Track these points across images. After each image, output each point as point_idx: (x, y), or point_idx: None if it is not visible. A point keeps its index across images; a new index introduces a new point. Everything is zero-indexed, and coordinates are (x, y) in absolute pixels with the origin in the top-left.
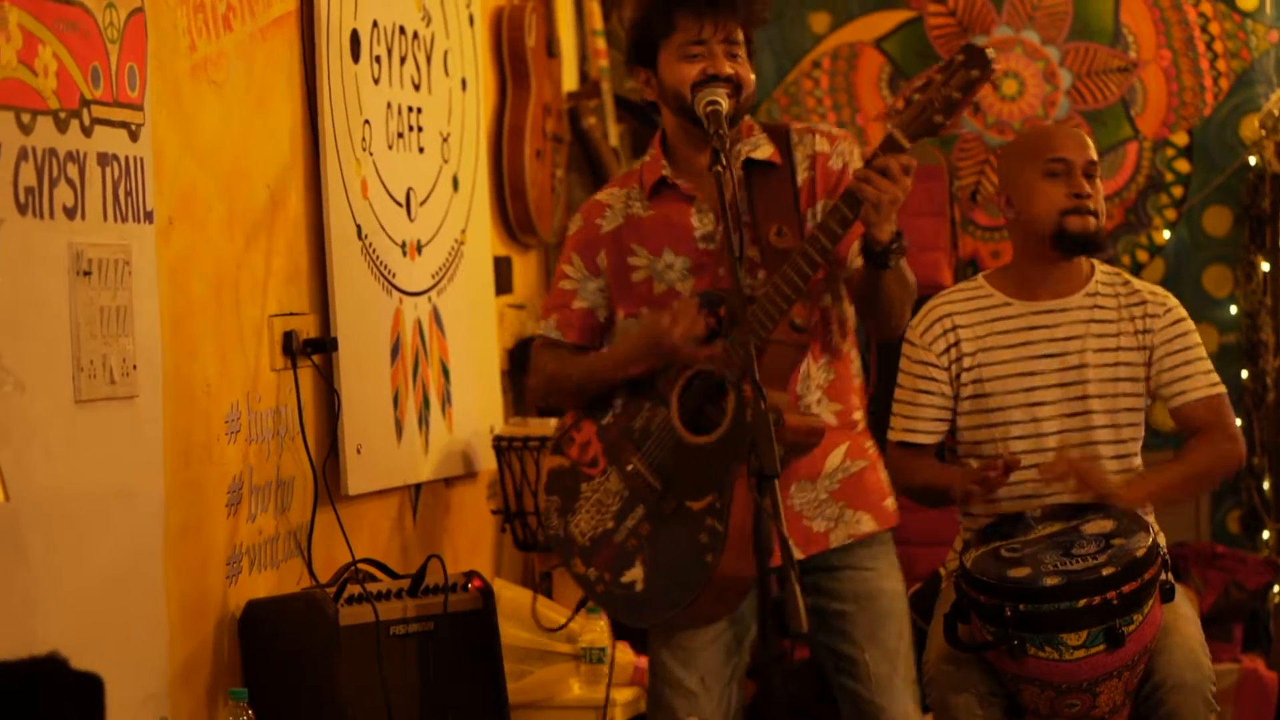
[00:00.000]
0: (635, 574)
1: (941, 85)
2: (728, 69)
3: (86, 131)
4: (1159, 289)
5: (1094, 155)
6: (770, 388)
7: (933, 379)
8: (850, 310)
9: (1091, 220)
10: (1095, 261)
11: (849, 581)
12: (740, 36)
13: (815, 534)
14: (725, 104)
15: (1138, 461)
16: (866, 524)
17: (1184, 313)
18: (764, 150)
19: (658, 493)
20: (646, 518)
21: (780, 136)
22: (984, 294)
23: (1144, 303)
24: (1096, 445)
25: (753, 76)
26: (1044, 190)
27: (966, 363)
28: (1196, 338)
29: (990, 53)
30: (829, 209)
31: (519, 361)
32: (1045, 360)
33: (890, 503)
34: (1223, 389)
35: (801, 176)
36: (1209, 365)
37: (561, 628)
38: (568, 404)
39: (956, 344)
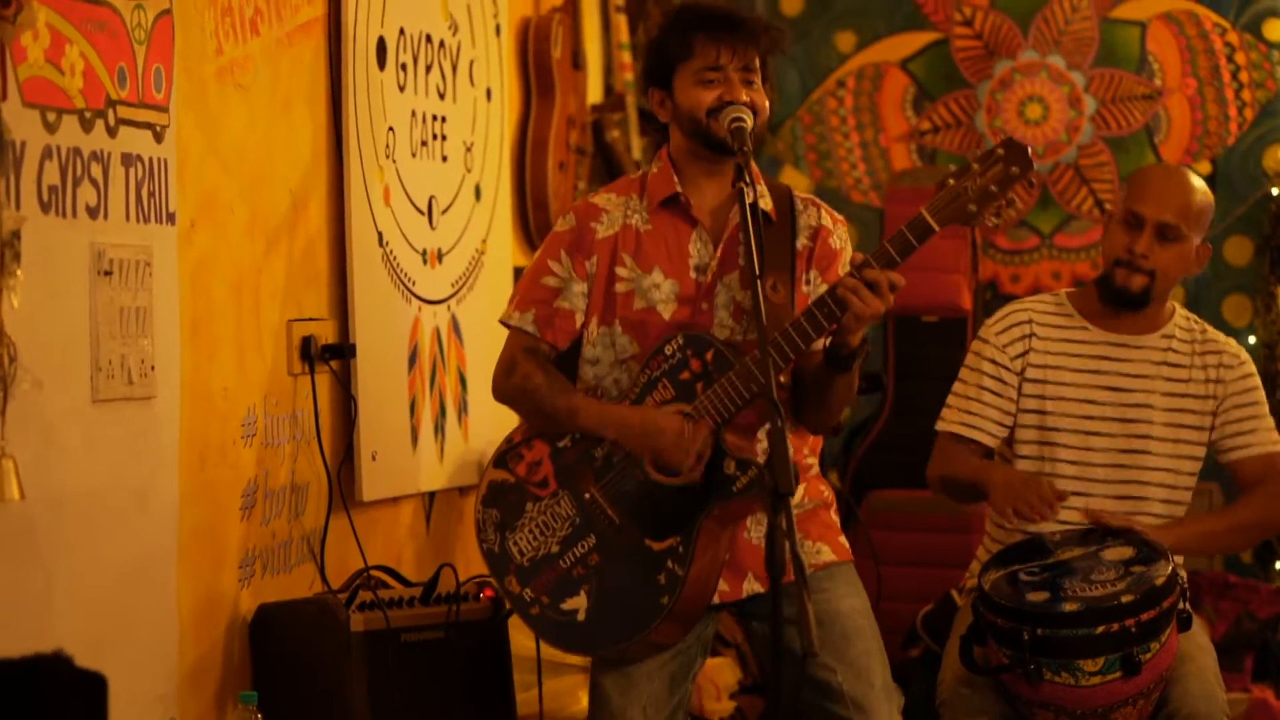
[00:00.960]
0: (578, 603)
1: (979, 175)
2: (743, 96)
3: (111, 132)
4: (1233, 341)
5: (1172, 218)
6: (741, 439)
7: (1002, 380)
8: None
9: (1138, 279)
10: (1176, 304)
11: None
12: (757, 64)
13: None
14: (750, 121)
15: (1183, 511)
16: (826, 554)
17: (1254, 368)
18: (766, 202)
19: (615, 526)
20: (597, 549)
21: (782, 196)
22: (1065, 312)
23: (1219, 353)
24: (1148, 486)
25: (767, 103)
26: (1115, 236)
27: (1033, 374)
28: (1263, 394)
29: (1031, 152)
30: (816, 301)
31: None
32: (1109, 393)
33: (844, 540)
34: None
35: (801, 242)
36: (1272, 423)
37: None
38: (531, 421)
39: (1028, 352)
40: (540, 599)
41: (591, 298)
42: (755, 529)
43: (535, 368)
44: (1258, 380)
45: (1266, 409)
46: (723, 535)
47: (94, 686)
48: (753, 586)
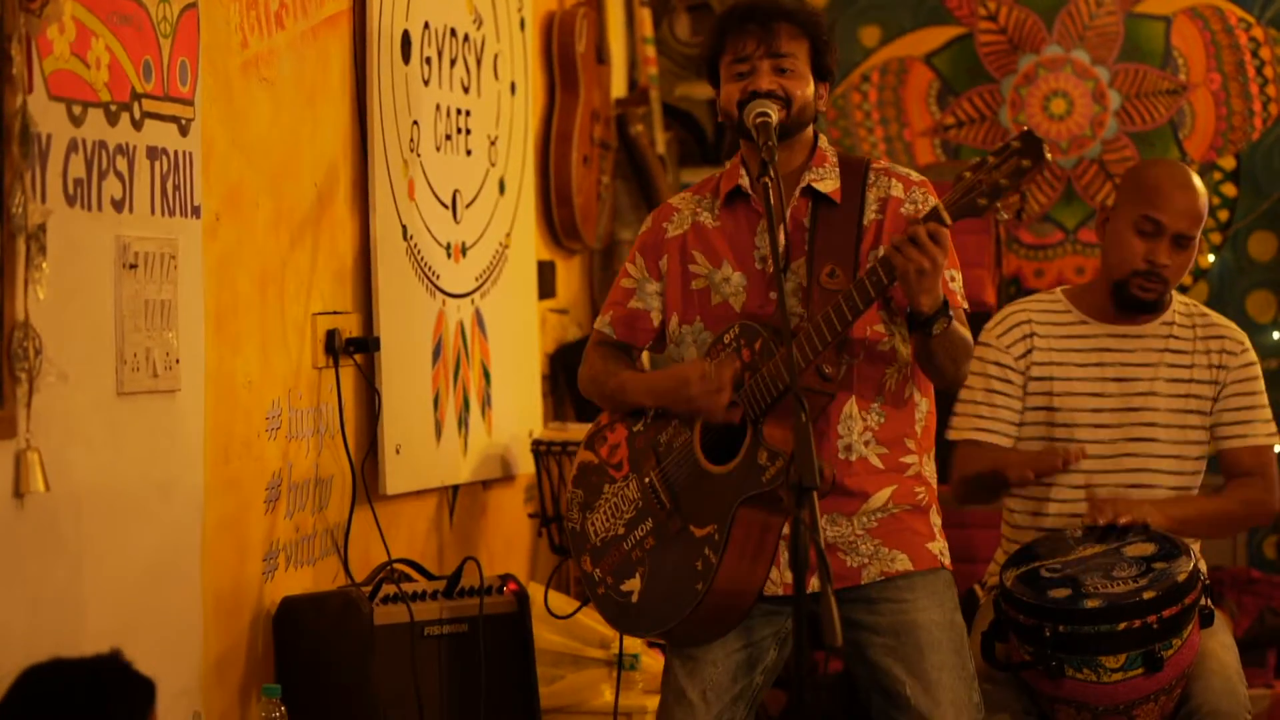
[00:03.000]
0: (634, 584)
1: (992, 169)
2: (766, 84)
3: (137, 125)
4: (1234, 325)
5: (1190, 227)
6: (782, 429)
7: (1009, 381)
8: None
9: (1157, 289)
10: (1174, 291)
11: (887, 614)
12: (793, 49)
13: (848, 569)
14: (775, 115)
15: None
16: (901, 563)
17: (1255, 357)
18: (829, 184)
19: (666, 511)
20: (652, 532)
21: (856, 172)
22: (1062, 309)
23: (1222, 338)
24: (1157, 474)
25: (808, 90)
26: (1128, 242)
27: (1037, 372)
28: (1262, 384)
29: (1046, 146)
30: (868, 269)
31: (560, 366)
32: (1115, 384)
33: (935, 546)
34: (1276, 440)
35: (869, 218)
36: (1270, 414)
37: (569, 615)
38: (602, 406)
39: (1031, 352)
40: (606, 579)
41: (669, 296)
42: (830, 528)
43: (597, 357)
44: (1259, 369)
45: (1265, 399)
46: (769, 526)
47: (145, 692)
48: (816, 583)
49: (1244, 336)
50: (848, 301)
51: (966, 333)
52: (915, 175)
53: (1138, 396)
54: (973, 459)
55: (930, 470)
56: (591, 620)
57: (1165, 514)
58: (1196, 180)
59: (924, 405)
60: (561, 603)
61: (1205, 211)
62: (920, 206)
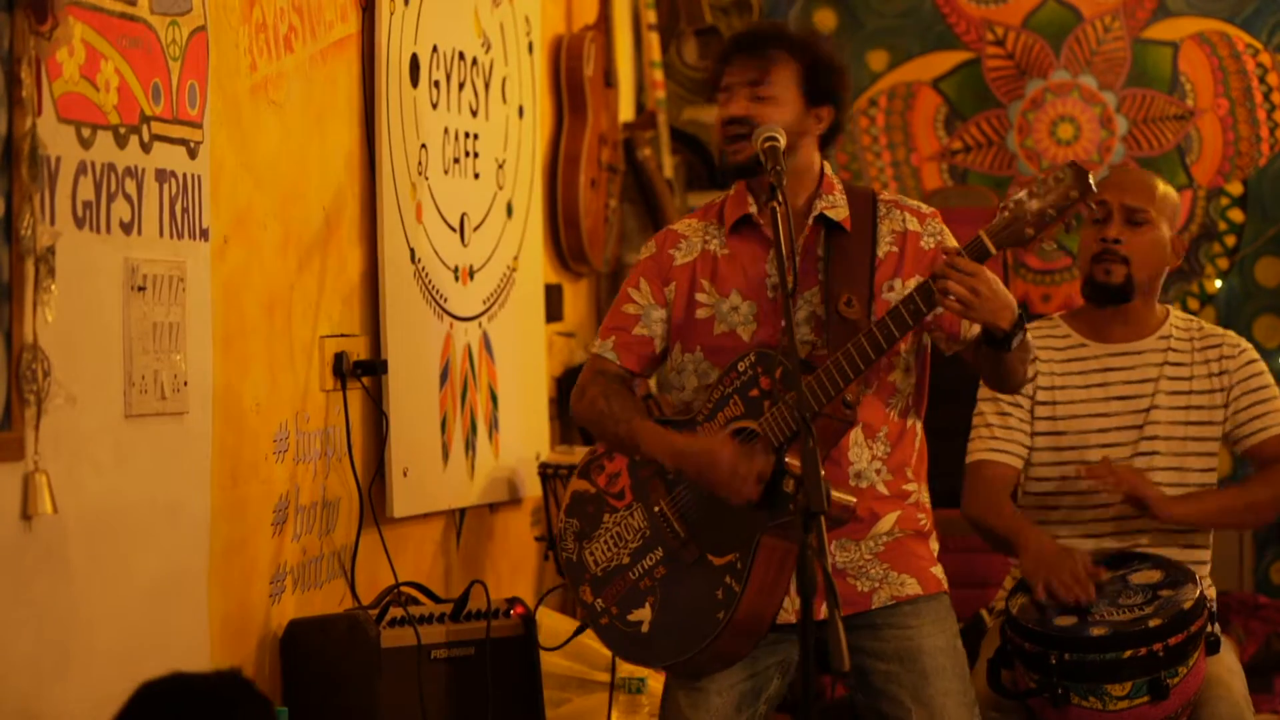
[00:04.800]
0: (643, 614)
1: (1039, 199)
2: (735, 110)
3: (145, 148)
4: (1230, 332)
5: (1137, 199)
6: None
7: (1018, 404)
8: (915, 385)
9: (1117, 269)
10: (1170, 306)
11: (892, 641)
12: (776, 76)
13: (859, 594)
14: (783, 139)
15: None
16: (911, 587)
17: (1256, 354)
18: (840, 212)
19: (680, 540)
20: (664, 561)
21: (864, 202)
22: (1061, 333)
23: (1218, 345)
24: (1163, 487)
25: (785, 115)
26: (1086, 238)
27: (1042, 396)
28: (1270, 378)
29: (1093, 177)
30: (904, 298)
31: (567, 389)
32: (1119, 402)
33: (938, 571)
34: None
35: (884, 250)
36: None
37: (558, 648)
38: (601, 441)
39: (1033, 378)
40: (610, 609)
41: (672, 324)
42: (840, 553)
43: (601, 393)
44: (1262, 365)
45: (1276, 391)
46: (787, 554)
47: (266, 711)
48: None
49: (1240, 340)
50: (882, 330)
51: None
52: (925, 207)
53: (1141, 413)
54: (989, 501)
55: (927, 498)
56: (597, 643)
57: (1180, 508)
58: (1156, 177)
59: (920, 434)
60: (562, 626)
61: (1160, 193)
62: (939, 239)
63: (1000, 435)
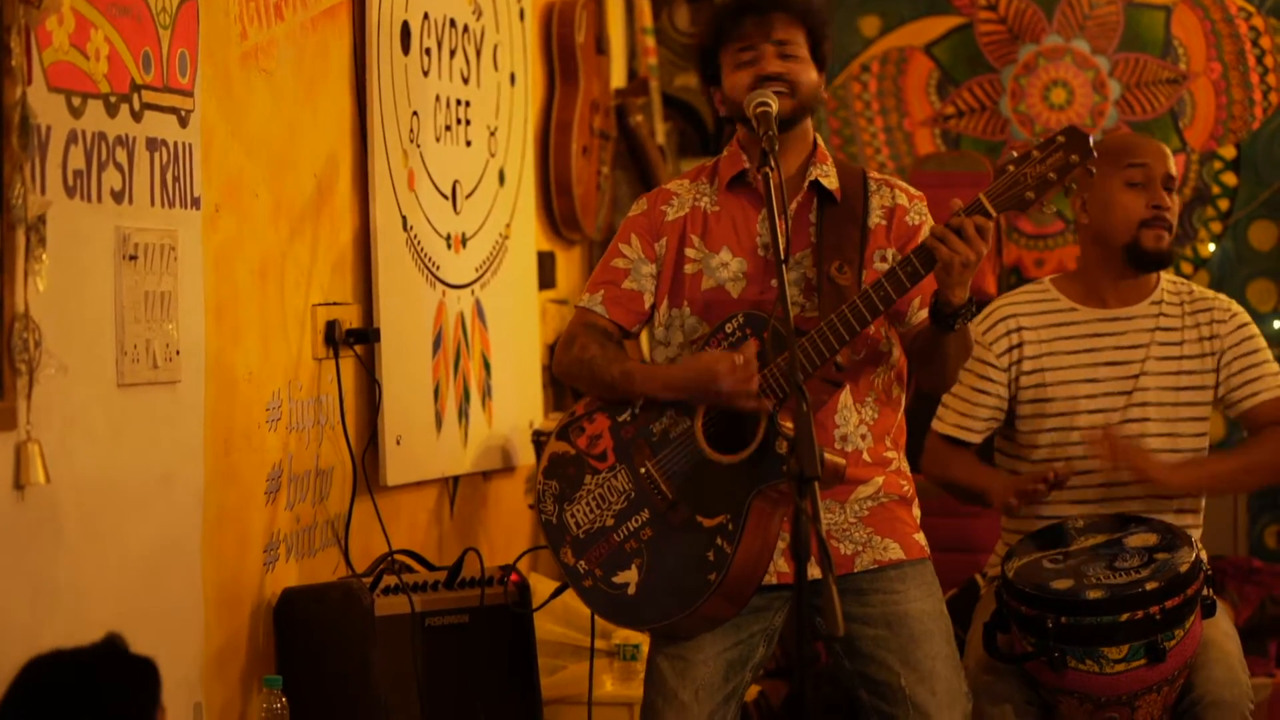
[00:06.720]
0: (629, 576)
1: (1038, 163)
2: (773, 67)
3: (136, 116)
4: (1221, 295)
5: (1174, 169)
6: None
7: (990, 379)
8: (903, 359)
9: (1166, 235)
10: (1161, 271)
11: (879, 605)
12: (795, 36)
13: (842, 556)
14: (775, 105)
15: None
16: (894, 551)
17: (1248, 317)
18: (831, 181)
19: (668, 501)
20: (650, 523)
21: (854, 178)
22: (1050, 298)
23: (1209, 309)
24: (1155, 453)
25: (813, 77)
26: (1123, 201)
27: (1028, 365)
28: (1262, 341)
29: (1092, 140)
30: (900, 260)
31: None
32: (1109, 368)
33: (920, 537)
34: None
35: (874, 221)
36: (1277, 367)
37: (539, 608)
38: (591, 392)
39: (1019, 346)
40: (594, 571)
41: (661, 280)
42: (824, 515)
43: (591, 340)
44: (1254, 328)
45: (1268, 354)
46: (775, 515)
47: (147, 672)
48: (814, 571)
49: (1232, 303)
50: (878, 292)
51: (972, 335)
52: (913, 189)
53: (1131, 379)
54: (946, 460)
55: (907, 467)
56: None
57: (1181, 475)
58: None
59: (903, 405)
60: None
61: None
62: (923, 220)
63: (967, 411)
